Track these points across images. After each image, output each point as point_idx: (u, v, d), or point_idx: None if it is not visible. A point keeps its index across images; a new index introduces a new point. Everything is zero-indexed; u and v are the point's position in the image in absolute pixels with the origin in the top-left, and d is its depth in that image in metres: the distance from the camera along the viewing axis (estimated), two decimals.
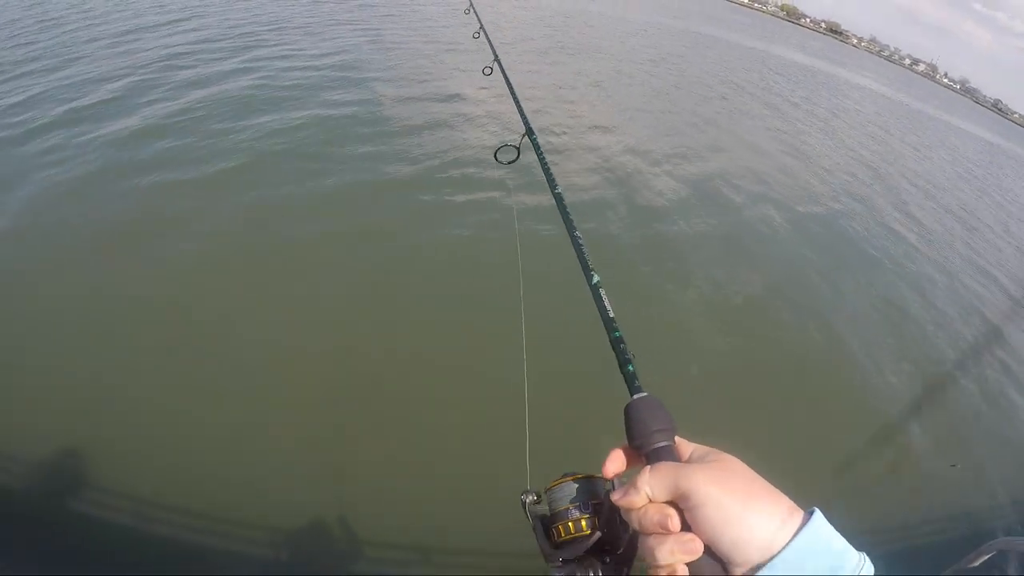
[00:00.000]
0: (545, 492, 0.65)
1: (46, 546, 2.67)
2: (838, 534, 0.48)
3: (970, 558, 2.52)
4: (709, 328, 5.08)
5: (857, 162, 13.33)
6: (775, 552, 0.46)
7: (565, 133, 9.05)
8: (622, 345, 0.69)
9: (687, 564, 0.49)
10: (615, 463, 0.60)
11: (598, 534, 0.61)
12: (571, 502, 0.63)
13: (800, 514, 0.48)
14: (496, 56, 2.10)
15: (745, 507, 0.47)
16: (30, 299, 3.88)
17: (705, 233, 6.92)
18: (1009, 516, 4.09)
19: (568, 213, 0.89)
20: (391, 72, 10.15)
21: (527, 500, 0.64)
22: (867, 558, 0.48)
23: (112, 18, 9.88)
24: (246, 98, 7.48)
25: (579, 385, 3.63)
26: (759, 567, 0.46)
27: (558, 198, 0.95)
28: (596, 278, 0.77)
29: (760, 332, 5.30)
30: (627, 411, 0.61)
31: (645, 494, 0.52)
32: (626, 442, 0.60)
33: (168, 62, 8.01)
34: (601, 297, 0.74)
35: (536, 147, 1.19)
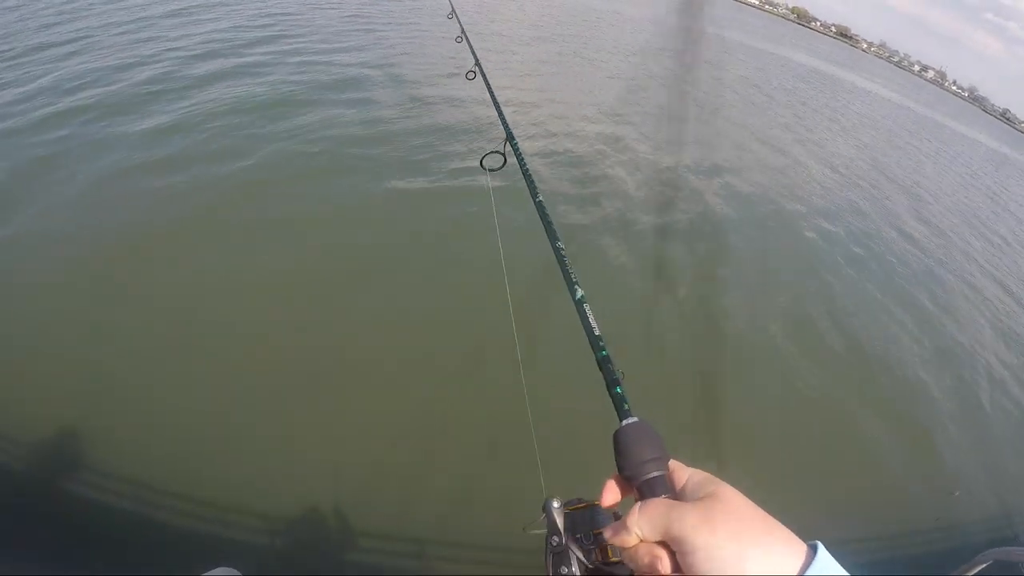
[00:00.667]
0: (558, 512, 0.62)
1: (47, 545, 2.65)
2: (842, 569, 0.45)
3: (964, 569, 2.51)
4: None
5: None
6: None
7: (564, 136, 9.03)
8: (610, 365, 0.65)
9: None
10: (611, 493, 0.57)
11: (604, 569, 0.58)
12: (575, 533, 0.61)
13: (803, 550, 0.45)
14: (477, 60, 2.07)
15: (741, 551, 0.44)
16: (37, 293, 3.87)
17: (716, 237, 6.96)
18: (1003, 527, 4.10)
19: (551, 223, 0.84)
20: (371, 78, 10.09)
21: (554, 507, 0.61)
22: None
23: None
24: (224, 109, 7.38)
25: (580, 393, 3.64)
26: None
27: (540, 207, 0.91)
28: (580, 292, 0.73)
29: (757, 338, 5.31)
30: (616, 439, 0.57)
31: (636, 534, 0.49)
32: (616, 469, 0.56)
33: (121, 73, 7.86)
34: (586, 313, 0.70)
35: (517, 154, 1.15)
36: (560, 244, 0.80)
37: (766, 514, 0.48)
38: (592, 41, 19.36)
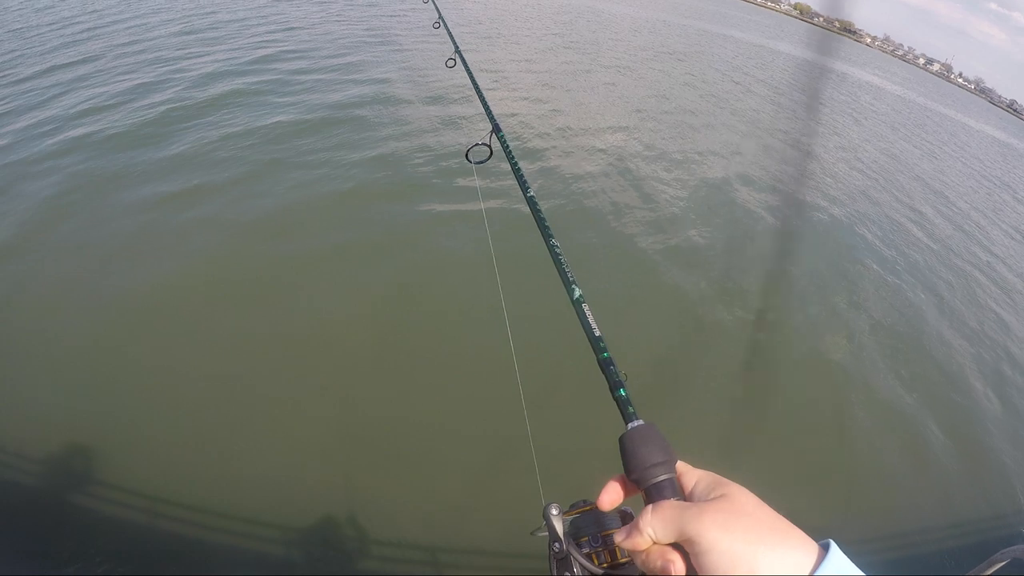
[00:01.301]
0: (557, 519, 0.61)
1: (49, 545, 2.64)
2: (855, 567, 0.45)
3: (982, 567, 2.48)
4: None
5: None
6: None
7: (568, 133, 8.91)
8: (612, 367, 0.64)
9: None
10: (611, 494, 0.57)
11: (610, 573, 0.58)
12: (581, 536, 0.61)
13: (815, 550, 0.45)
14: (457, 48, 2.02)
15: (754, 551, 0.44)
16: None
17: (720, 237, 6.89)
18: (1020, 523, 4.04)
19: (544, 219, 0.82)
20: (352, 70, 9.89)
21: (552, 513, 0.60)
22: None
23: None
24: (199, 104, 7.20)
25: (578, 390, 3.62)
26: None
27: (531, 202, 0.88)
28: (578, 292, 0.71)
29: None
30: (622, 443, 0.57)
31: (648, 536, 0.49)
32: (623, 472, 0.56)
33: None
34: (584, 313, 0.68)
35: (504, 145, 1.12)
36: (555, 241, 0.78)
37: (778, 514, 0.48)
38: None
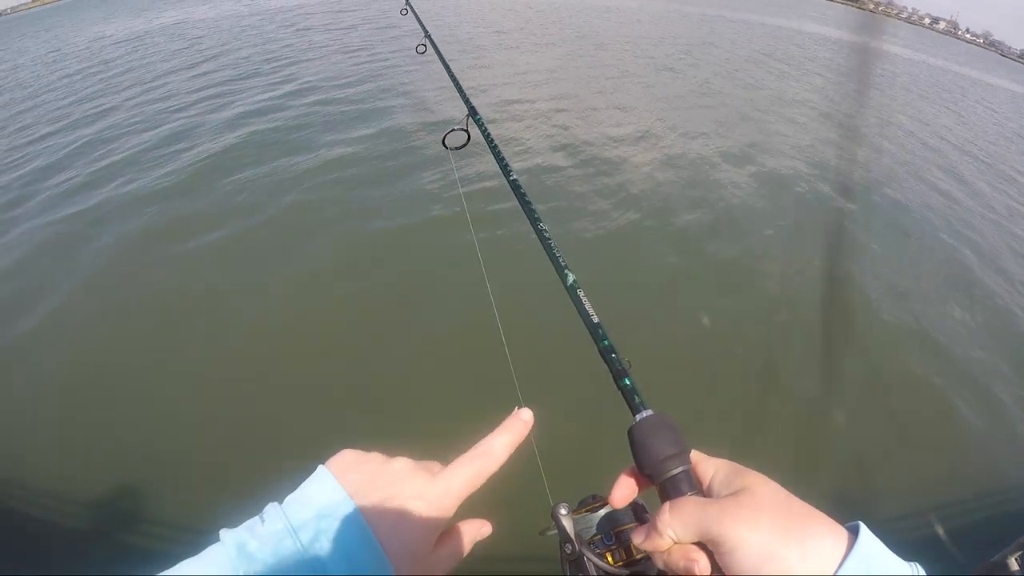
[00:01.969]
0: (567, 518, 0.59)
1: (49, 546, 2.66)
2: (887, 550, 0.43)
3: (1005, 553, 2.45)
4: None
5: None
6: None
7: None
8: (613, 355, 0.60)
9: None
10: (624, 490, 0.55)
11: (624, 572, 0.56)
12: (594, 535, 0.58)
13: (844, 536, 0.43)
14: (427, 32, 1.96)
15: (783, 547, 0.42)
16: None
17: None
18: None
19: (529, 203, 0.78)
20: (317, 63, 9.74)
21: (562, 513, 0.57)
22: (919, 567, 0.43)
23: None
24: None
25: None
26: None
27: (514, 185, 0.84)
28: (572, 277, 0.67)
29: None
30: (631, 436, 0.54)
31: (669, 537, 0.47)
32: (634, 465, 0.54)
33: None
34: (580, 299, 0.64)
35: (482, 129, 1.07)
36: (543, 226, 0.74)
37: (803, 503, 0.46)
38: None
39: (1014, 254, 7.52)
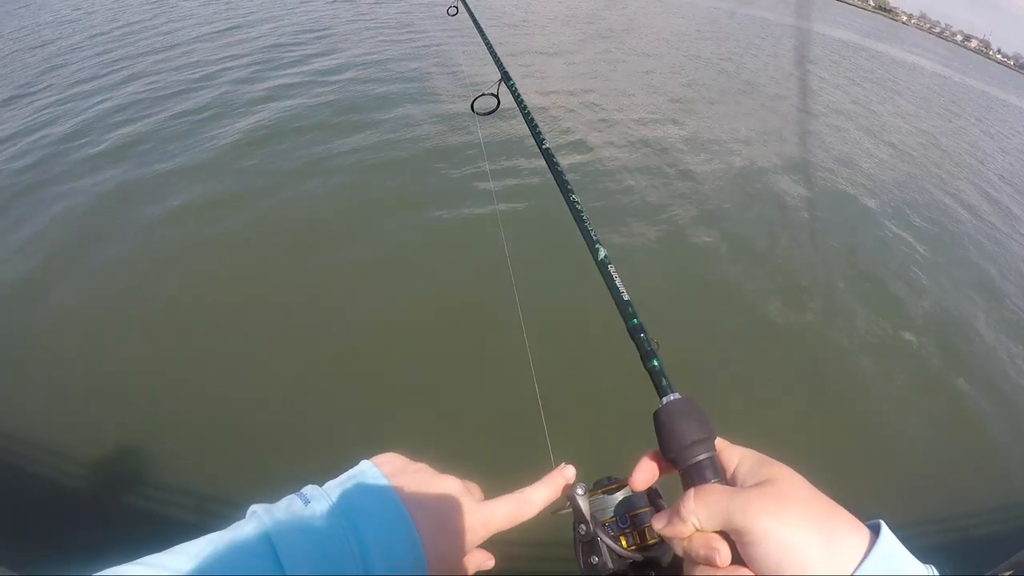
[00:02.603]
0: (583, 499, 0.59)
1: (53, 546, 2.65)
2: (905, 550, 0.43)
3: (1000, 569, 2.43)
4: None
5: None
6: None
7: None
8: (642, 335, 0.58)
9: None
10: (645, 473, 0.54)
11: (638, 557, 0.55)
12: (609, 517, 0.58)
13: (866, 533, 0.43)
14: None
15: (808, 538, 0.42)
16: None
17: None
18: None
19: (562, 173, 0.75)
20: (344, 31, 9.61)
21: (578, 493, 0.57)
22: (934, 570, 0.43)
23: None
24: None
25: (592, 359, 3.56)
26: None
27: (547, 155, 0.81)
28: (603, 252, 0.65)
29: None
30: (657, 419, 0.52)
31: (692, 524, 0.46)
32: (656, 448, 0.53)
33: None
34: (611, 275, 0.62)
35: (515, 94, 1.04)
36: (575, 197, 0.71)
37: (828, 498, 0.46)
38: None
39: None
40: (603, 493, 0.59)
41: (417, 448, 0.60)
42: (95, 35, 9.23)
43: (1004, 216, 9.16)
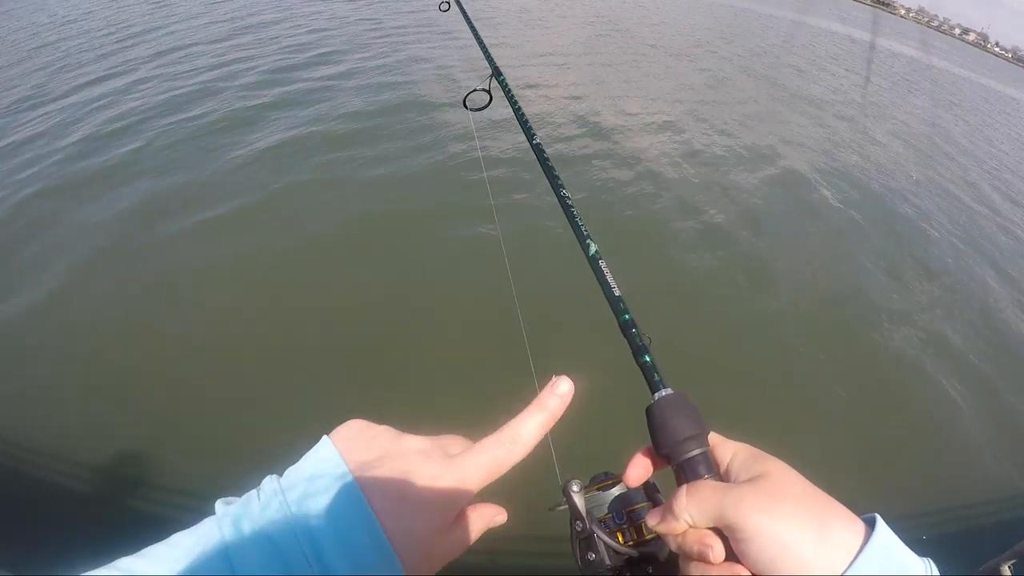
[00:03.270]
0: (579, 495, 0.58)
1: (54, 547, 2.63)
2: (901, 543, 0.43)
3: (1002, 558, 2.41)
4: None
5: None
6: None
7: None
8: (634, 330, 0.58)
9: None
10: (639, 469, 0.54)
11: (634, 553, 0.55)
12: (605, 513, 0.58)
13: (861, 527, 0.43)
14: None
15: (802, 533, 0.42)
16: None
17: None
18: None
19: (552, 168, 0.75)
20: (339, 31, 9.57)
21: (574, 490, 0.56)
22: (931, 563, 0.43)
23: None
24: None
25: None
26: None
27: (537, 149, 0.81)
28: (594, 247, 0.64)
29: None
30: (649, 415, 0.52)
31: (684, 521, 0.46)
32: (651, 444, 0.53)
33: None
34: (602, 271, 0.62)
35: (506, 90, 1.03)
36: (566, 192, 0.71)
37: (822, 492, 0.46)
38: None
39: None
40: (599, 489, 0.60)
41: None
42: (101, 34, 9.20)
43: None
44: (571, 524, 0.56)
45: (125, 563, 0.40)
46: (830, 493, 0.46)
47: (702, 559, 0.45)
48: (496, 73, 1.11)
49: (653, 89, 10.22)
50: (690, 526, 0.46)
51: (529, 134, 0.85)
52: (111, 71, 7.66)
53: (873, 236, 6.65)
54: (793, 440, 3.49)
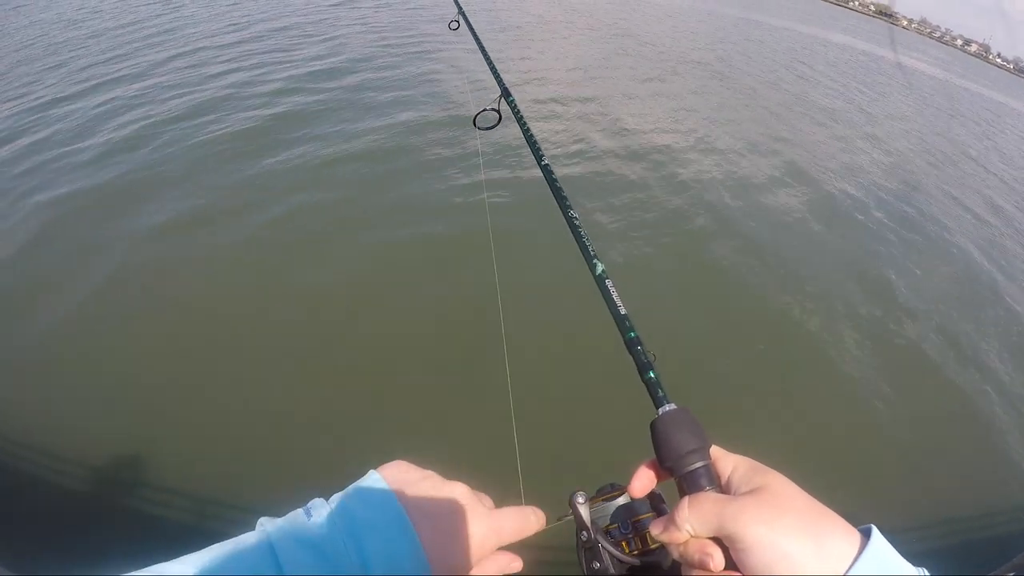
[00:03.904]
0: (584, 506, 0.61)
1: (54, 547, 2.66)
2: (897, 553, 0.44)
3: (1004, 569, 2.40)
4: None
5: None
6: None
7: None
8: (639, 347, 0.60)
9: None
10: (643, 481, 0.56)
11: (637, 562, 0.57)
12: (610, 523, 0.60)
13: (857, 537, 0.45)
14: (460, 8, 1.93)
15: (799, 544, 0.44)
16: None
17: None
18: None
19: (560, 189, 0.78)
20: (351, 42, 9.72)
21: (579, 502, 0.58)
22: (926, 572, 0.44)
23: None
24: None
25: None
26: None
27: (546, 171, 0.84)
28: (601, 267, 0.67)
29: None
30: (653, 429, 0.55)
31: (686, 531, 0.48)
32: (654, 457, 0.55)
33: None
34: (608, 290, 0.65)
35: (515, 110, 1.07)
36: (573, 213, 0.73)
37: (820, 504, 0.47)
38: None
39: None
40: (604, 500, 0.61)
41: (432, 458, 0.60)
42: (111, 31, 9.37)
43: None
44: (577, 534, 0.59)
45: (166, 566, 0.42)
46: (830, 505, 0.47)
47: (703, 568, 0.47)
48: (505, 94, 1.14)
49: (674, 105, 10.25)
50: (692, 536, 0.48)
51: (538, 154, 0.88)
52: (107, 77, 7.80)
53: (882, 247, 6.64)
54: (795, 447, 3.54)
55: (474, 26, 1.80)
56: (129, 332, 3.83)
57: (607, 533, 0.59)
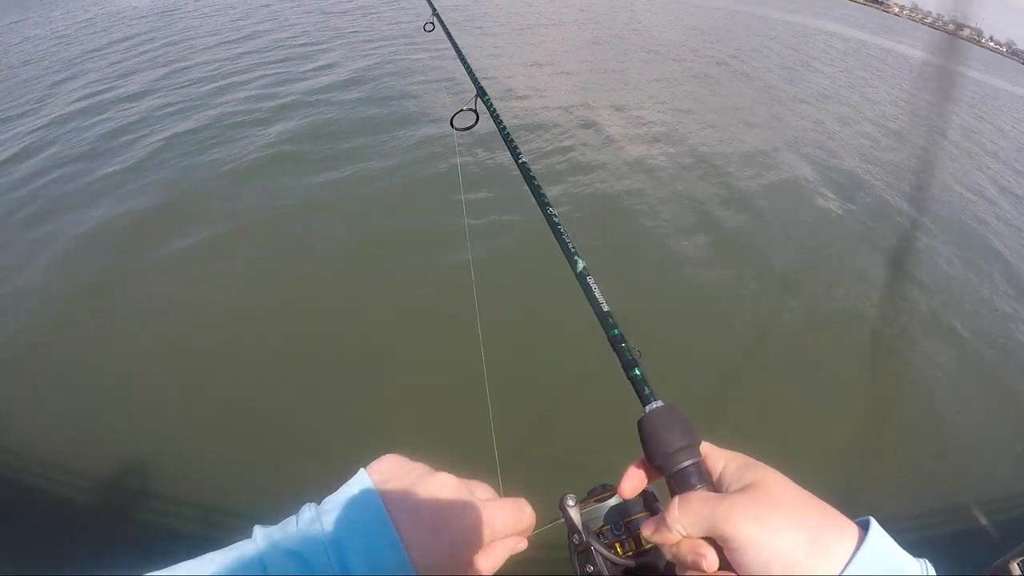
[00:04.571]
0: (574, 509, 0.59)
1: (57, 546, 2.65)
2: (896, 545, 0.44)
3: (1011, 555, 2.41)
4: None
5: None
6: None
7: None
8: (623, 345, 0.59)
9: None
10: (633, 481, 0.55)
11: (631, 564, 0.56)
12: (602, 525, 0.59)
13: (855, 531, 0.44)
14: (435, 9, 1.92)
15: (793, 540, 0.43)
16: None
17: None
18: None
19: (539, 187, 0.76)
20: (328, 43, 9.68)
21: (569, 505, 0.57)
22: (928, 564, 0.43)
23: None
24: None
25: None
26: None
27: (523, 169, 0.83)
28: (581, 264, 0.66)
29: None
30: (641, 427, 0.53)
31: (677, 532, 0.47)
32: (644, 456, 0.54)
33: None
34: (590, 287, 0.63)
35: (491, 110, 1.05)
36: (552, 210, 0.72)
37: (814, 497, 0.47)
38: None
39: None
40: (596, 501, 0.60)
41: (431, 451, 0.59)
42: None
43: None
44: (568, 537, 0.57)
45: (161, 574, 0.42)
46: (825, 498, 0.46)
47: (696, 568, 0.46)
48: (481, 93, 1.13)
49: (648, 93, 10.31)
50: (684, 536, 0.47)
51: (515, 153, 0.87)
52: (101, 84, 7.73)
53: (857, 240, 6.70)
54: (792, 441, 3.55)
55: (449, 27, 1.79)
56: (129, 332, 3.82)
57: (600, 535, 0.58)
